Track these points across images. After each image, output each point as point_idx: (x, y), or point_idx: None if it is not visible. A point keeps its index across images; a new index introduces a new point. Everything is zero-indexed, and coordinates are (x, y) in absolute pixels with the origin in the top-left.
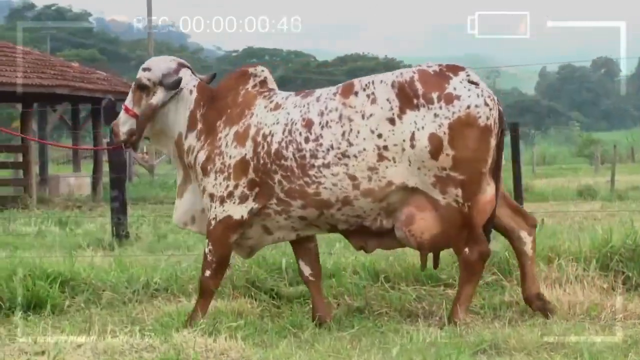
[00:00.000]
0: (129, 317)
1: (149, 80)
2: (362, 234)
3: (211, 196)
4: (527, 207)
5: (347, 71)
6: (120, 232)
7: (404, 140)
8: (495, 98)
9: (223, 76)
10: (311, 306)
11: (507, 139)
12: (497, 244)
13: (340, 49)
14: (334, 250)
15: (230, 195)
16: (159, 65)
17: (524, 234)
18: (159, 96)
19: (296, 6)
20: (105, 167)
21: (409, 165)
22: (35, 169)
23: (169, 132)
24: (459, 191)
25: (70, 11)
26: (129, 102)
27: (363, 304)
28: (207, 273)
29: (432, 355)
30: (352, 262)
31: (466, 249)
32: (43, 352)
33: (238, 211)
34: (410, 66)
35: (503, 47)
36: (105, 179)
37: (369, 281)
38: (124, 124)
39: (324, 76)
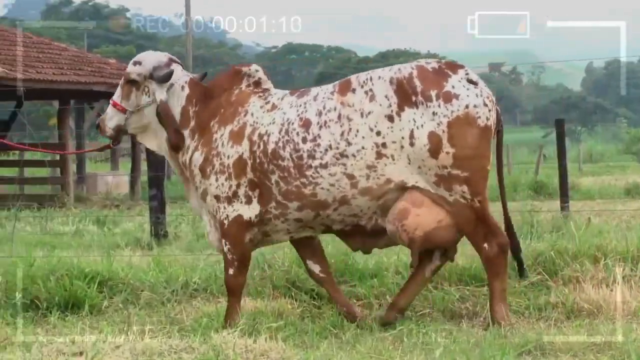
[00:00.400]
0: (168, 318)
1: (139, 74)
2: (358, 235)
3: (217, 198)
4: (573, 205)
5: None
6: (158, 231)
7: (402, 138)
8: (494, 98)
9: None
10: (338, 305)
11: (553, 136)
12: (543, 243)
13: (383, 45)
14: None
15: (235, 194)
16: (149, 59)
17: (436, 256)
18: (162, 91)
19: (338, 1)
20: (144, 166)
21: (409, 163)
22: (72, 167)
23: (159, 128)
24: (465, 187)
25: (107, 7)
26: (117, 97)
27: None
28: (231, 271)
29: (476, 357)
30: (394, 262)
31: (485, 245)
32: (81, 353)
33: (247, 211)
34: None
35: (549, 42)
36: (144, 177)
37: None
38: (111, 119)
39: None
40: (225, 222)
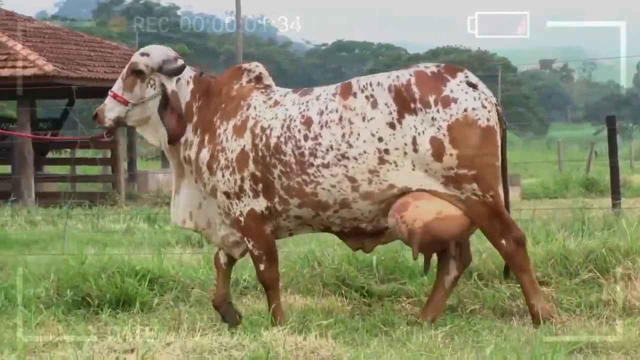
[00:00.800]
0: (218, 315)
1: (146, 65)
2: (357, 235)
3: (226, 194)
4: (625, 202)
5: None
6: None
7: (405, 145)
8: (494, 100)
9: (309, 71)
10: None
11: (604, 133)
12: (595, 241)
13: (433, 42)
14: None
15: (242, 189)
16: (158, 51)
17: (452, 266)
18: (172, 82)
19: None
20: None
21: (413, 168)
22: (123, 165)
23: (160, 122)
24: (474, 185)
25: (158, 5)
26: (117, 88)
27: (456, 302)
28: (262, 267)
29: (526, 354)
30: None
31: (502, 241)
32: (132, 350)
33: (257, 205)
34: (494, 59)
35: (599, 39)
36: None
37: (461, 279)
38: (111, 110)
39: None
40: (241, 218)
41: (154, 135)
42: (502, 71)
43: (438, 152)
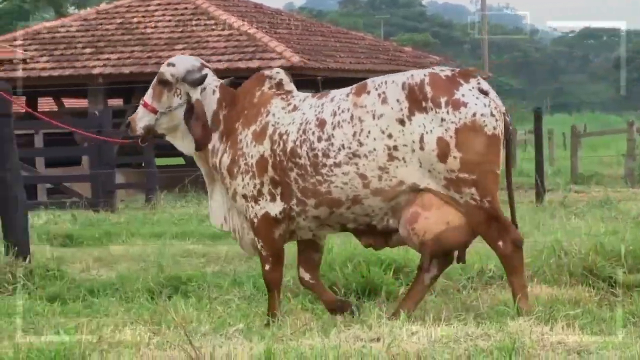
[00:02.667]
0: (464, 305)
1: (172, 75)
2: (369, 233)
3: (244, 197)
4: None
5: None
6: None
7: (413, 142)
8: (503, 109)
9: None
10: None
11: None
12: None
13: None
14: None
15: (260, 193)
16: (183, 62)
17: (434, 264)
18: (196, 92)
19: None
20: None
21: (420, 166)
22: None
23: (187, 130)
24: (473, 189)
25: None
26: (148, 97)
27: None
28: (267, 267)
29: None
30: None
31: (500, 242)
32: (378, 339)
33: (273, 208)
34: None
35: None
36: None
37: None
38: (142, 119)
39: None
40: (255, 220)
41: (183, 143)
42: None
43: (443, 153)
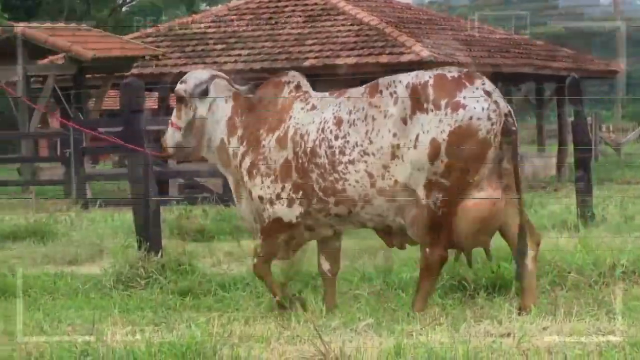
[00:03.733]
0: (595, 300)
1: (185, 91)
2: (389, 233)
3: (260, 198)
4: None
5: None
6: (585, 213)
7: (410, 140)
8: (505, 110)
9: None
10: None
11: None
12: None
13: None
14: None
15: (278, 197)
16: (192, 77)
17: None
18: (203, 107)
19: None
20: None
21: (412, 166)
22: None
23: (210, 141)
24: (440, 196)
25: None
26: (173, 116)
27: None
28: (255, 260)
29: None
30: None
31: (427, 249)
32: (508, 334)
33: (287, 214)
34: None
35: None
36: (570, 158)
37: None
38: (170, 138)
39: None
40: (266, 220)
41: (207, 154)
42: None
43: (434, 154)
